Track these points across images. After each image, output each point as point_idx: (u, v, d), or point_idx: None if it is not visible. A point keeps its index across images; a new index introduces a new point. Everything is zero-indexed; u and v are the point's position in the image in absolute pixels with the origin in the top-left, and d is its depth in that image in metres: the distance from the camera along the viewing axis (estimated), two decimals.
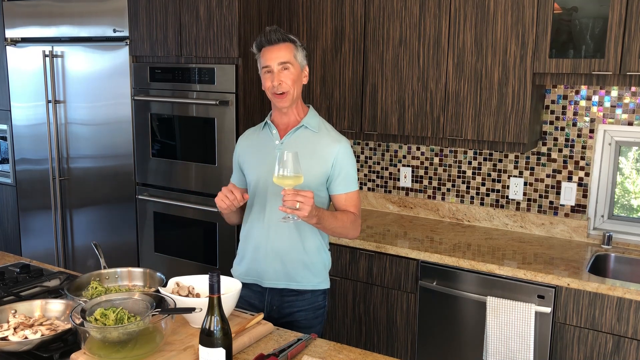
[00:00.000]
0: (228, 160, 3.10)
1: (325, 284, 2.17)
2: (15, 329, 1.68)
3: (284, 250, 2.07)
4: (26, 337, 1.64)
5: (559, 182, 2.97)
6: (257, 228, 2.10)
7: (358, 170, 3.54)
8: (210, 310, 1.44)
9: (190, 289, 1.83)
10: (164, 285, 1.86)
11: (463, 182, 3.23)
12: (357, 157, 3.54)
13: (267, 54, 2.01)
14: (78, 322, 1.55)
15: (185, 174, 3.29)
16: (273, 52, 2.00)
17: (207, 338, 1.44)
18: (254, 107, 3.11)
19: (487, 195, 3.17)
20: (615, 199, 2.92)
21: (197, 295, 1.82)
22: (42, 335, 1.65)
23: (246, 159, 2.17)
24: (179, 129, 3.27)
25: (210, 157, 3.15)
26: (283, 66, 2.00)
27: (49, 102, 3.66)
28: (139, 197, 3.47)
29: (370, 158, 3.50)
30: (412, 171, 3.37)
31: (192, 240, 3.29)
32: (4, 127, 4.02)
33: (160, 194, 3.40)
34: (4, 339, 1.64)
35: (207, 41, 3.06)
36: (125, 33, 3.32)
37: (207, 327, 1.44)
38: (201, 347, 1.45)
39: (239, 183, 2.23)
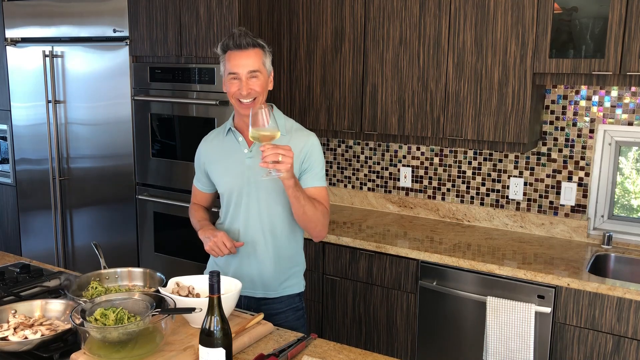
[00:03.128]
0: None
1: (301, 287, 2.16)
2: (15, 329, 1.68)
3: (261, 260, 2.06)
4: (26, 337, 1.64)
5: (559, 182, 2.97)
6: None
7: (358, 170, 3.54)
8: (210, 310, 1.44)
9: (190, 289, 1.83)
10: (164, 285, 1.86)
11: (463, 182, 3.23)
12: (357, 157, 3.54)
13: (235, 59, 1.91)
14: (78, 322, 1.55)
15: (185, 174, 3.28)
16: (242, 59, 1.90)
17: (207, 338, 1.44)
18: None
19: (487, 195, 3.17)
20: (615, 199, 2.92)
21: (197, 295, 1.82)
22: (42, 335, 1.65)
23: (213, 167, 2.11)
24: (179, 129, 3.27)
25: None
26: (252, 74, 1.91)
27: (49, 102, 3.66)
28: (139, 197, 3.46)
29: (370, 158, 3.50)
30: (412, 171, 3.37)
31: (192, 241, 3.27)
32: (4, 127, 4.02)
33: (161, 194, 3.40)
34: (4, 339, 1.64)
35: (207, 41, 3.06)
36: (125, 33, 3.32)
37: (207, 327, 1.44)
38: (201, 347, 1.45)
39: (204, 187, 2.20)
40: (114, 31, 3.36)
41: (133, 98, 3.37)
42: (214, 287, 1.45)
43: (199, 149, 2.19)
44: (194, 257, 3.29)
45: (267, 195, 2.02)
